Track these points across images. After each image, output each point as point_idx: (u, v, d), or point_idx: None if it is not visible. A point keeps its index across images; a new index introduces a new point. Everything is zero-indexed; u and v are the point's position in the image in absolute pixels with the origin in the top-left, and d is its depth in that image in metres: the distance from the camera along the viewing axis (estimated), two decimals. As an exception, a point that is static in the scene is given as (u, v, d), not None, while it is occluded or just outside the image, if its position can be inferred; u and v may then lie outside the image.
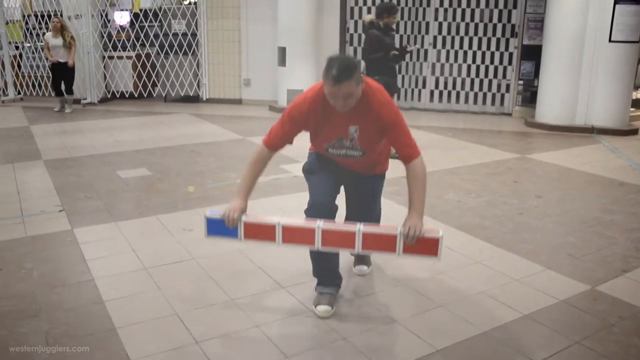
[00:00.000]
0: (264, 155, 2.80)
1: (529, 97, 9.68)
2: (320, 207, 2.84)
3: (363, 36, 10.12)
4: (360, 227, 2.58)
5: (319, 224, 2.61)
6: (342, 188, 3.10)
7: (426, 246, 2.56)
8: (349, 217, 3.13)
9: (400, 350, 2.64)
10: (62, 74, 9.62)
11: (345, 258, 3.53)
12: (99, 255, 3.66)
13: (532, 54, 9.47)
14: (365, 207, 3.11)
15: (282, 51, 9.58)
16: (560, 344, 2.70)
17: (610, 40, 8.24)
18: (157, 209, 4.55)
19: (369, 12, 9.95)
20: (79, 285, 3.23)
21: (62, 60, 9.52)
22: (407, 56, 8.17)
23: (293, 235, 2.66)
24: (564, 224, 4.45)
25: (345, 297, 3.14)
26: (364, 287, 3.29)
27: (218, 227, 2.74)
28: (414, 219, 2.57)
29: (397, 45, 7.49)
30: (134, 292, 3.15)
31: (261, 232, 2.69)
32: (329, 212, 2.85)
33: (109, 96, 11.16)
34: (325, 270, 3.04)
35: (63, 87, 9.76)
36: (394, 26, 6.52)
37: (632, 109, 9.20)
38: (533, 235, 4.14)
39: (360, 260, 3.45)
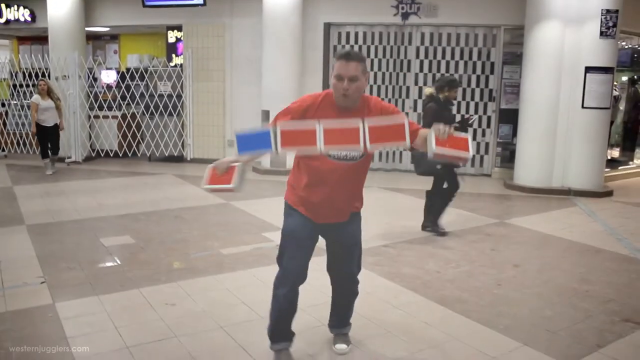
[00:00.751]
0: None
1: (508, 156, 9.94)
2: (292, 283, 3.07)
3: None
4: (364, 121, 2.65)
5: (364, 123, 2.65)
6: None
7: (457, 143, 2.68)
8: (331, 265, 3.32)
9: None
10: (52, 136, 9.56)
11: (322, 335, 3.57)
12: (80, 332, 3.65)
13: (510, 117, 9.77)
14: (350, 259, 3.28)
15: (266, 114, 9.78)
16: None
17: (582, 107, 8.56)
18: (140, 281, 4.57)
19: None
20: (60, 367, 3.23)
21: (52, 124, 9.48)
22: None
23: (334, 137, 2.64)
24: (541, 295, 4.54)
25: (326, 378, 3.17)
26: (344, 366, 3.33)
27: (250, 142, 2.68)
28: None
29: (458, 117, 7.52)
30: (115, 375, 3.16)
31: (300, 139, 2.65)
32: (300, 281, 3.10)
33: (93, 155, 11.24)
34: (283, 327, 3.21)
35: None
36: (454, 100, 6.37)
37: (607, 170, 9.49)
38: (510, 309, 4.22)
39: (339, 337, 3.49)
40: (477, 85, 10.02)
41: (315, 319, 3.74)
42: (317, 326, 3.66)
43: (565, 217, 7.28)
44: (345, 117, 2.81)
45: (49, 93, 9.44)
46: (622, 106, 12.42)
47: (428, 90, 6.27)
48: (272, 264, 4.93)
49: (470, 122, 6.43)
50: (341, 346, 3.44)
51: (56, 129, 9.56)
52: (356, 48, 10.34)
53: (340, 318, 3.50)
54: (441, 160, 5.96)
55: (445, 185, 6.24)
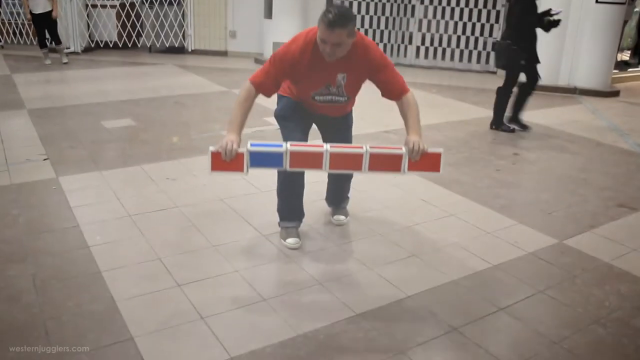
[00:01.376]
0: (252, 94, 2.82)
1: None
2: None
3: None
4: (367, 149, 2.66)
5: (367, 150, 2.67)
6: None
7: (429, 162, 2.71)
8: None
9: (373, 296, 2.77)
10: (46, 24, 9.15)
11: (321, 208, 3.64)
12: (83, 202, 3.73)
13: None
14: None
15: (269, 3, 9.48)
16: (524, 293, 2.85)
17: (597, 1, 8.26)
18: (141, 159, 4.61)
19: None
20: (65, 231, 3.32)
21: (43, 11, 9.00)
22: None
23: (340, 160, 2.69)
24: (539, 181, 4.58)
25: (322, 245, 3.26)
26: (340, 236, 3.41)
27: (262, 159, 2.67)
28: (415, 137, 2.70)
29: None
30: (118, 238, 3.25)
31: (308, 160, 2.69)
32: None
33: (92, 46, 11.02)
34: (292, 206, 3.24)
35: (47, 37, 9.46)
36: None
37: (615, 71, 9.29)
38: (507, 191, 4.28)
39: (338, 209, 3.56)
40: (488, -23, 9.64)
41: (315, 192, 3.79)
42: (317, 200, 3.72)
43: (569, 114, 7.22)
44: (333, 65, 2.81)
45: None
46: (638, 7, 11.98)
47: None
48: (273, 145, 5.01)
49: (555, 13, 5.97)
50: (339, 217, 3.51)
51: (49, 16, 9.18)
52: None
53: (337, 195, 3.55)
54: (524, 55, 5.69)
55: (521, 81, 6.06)
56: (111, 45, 10.96)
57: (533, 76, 6.05)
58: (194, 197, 3.84)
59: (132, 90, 7.36)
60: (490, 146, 5.47)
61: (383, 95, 2.95)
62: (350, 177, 3.50)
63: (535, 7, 5.80)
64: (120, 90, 7.35)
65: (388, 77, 2.89)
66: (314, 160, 2.66)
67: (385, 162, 2.70)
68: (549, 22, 5.82)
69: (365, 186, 4.02)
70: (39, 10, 8.97)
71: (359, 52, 2.81)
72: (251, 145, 2.63)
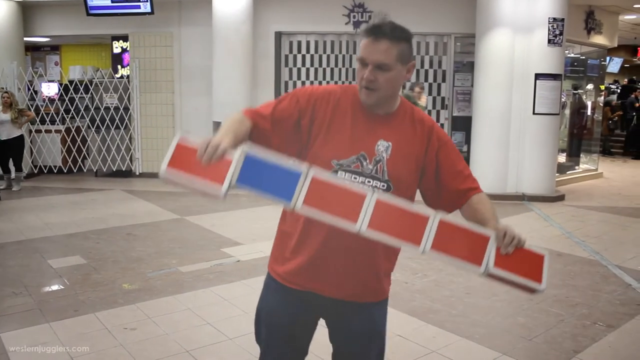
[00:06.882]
0: (243, 119, 1.85)
1: (461, 164, 10.03)
2: None
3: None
4: (436, 214, 1.73)
5: (435, 214, 1.74)
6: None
7: (525, 265, 1.74)
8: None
9: None
10: (11, 151, 9.13)
11: None
12: (31, 365, 3.36)
13: (462, 124, 9.86)
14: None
15: (218, 126, 9.50)
16: None
17: (534, 113, 8.71)
18: (95, 304, 4.26)
19: (303, 85, 10.13)
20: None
21: (7, 137, 8.99)
22: None
23: (390, 220, 1.67)
24: (511, 302, 4.49)
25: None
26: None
27: (260, 176, 1.64)
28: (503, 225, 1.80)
29: None
30: (73, 410, 2.89)
31: (336, 202, 1.65)
32: None
33: (35, 171, 10.70)
34: None
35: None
36: None
37: (557, 174, 9.67)
38: (483, 318, 4.15)
39: None
40: (430, 93, 10.06)
41: None
42: None
43: (523, 222, 7.33)
44: (374, 124, 1.90)
45: (10, 106, 8.98)
46: (567, 112, 12.74)
47: None
48: (235, 280, 4.77)
49: None
50: None
51: (16, 142, 9.11)
52: (308, 57, 10.25)
53: None
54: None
55: None
56: (55, 171, 10.68)
57: None
58: (157, 350, 3.51)
59: (80, 222, 7.03)
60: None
61: (438, 198, 2.00)
62: None
63: None
64: (66, 222, 7.01)
65: (454, 161, 1.98)
66: (347, 206, 1.64)
67: (459, 244, 1.71)
68: None
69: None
70: (3, 137, 8.93)
71: (417, 116, 1.97)
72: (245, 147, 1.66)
